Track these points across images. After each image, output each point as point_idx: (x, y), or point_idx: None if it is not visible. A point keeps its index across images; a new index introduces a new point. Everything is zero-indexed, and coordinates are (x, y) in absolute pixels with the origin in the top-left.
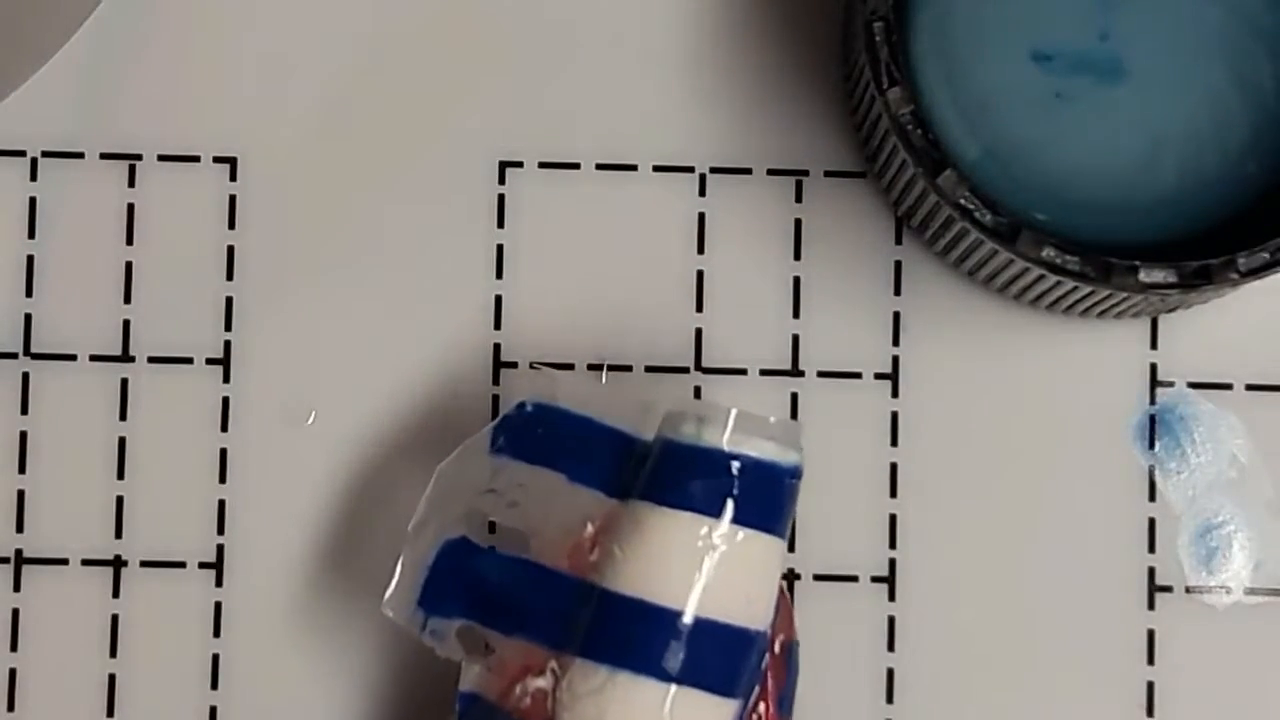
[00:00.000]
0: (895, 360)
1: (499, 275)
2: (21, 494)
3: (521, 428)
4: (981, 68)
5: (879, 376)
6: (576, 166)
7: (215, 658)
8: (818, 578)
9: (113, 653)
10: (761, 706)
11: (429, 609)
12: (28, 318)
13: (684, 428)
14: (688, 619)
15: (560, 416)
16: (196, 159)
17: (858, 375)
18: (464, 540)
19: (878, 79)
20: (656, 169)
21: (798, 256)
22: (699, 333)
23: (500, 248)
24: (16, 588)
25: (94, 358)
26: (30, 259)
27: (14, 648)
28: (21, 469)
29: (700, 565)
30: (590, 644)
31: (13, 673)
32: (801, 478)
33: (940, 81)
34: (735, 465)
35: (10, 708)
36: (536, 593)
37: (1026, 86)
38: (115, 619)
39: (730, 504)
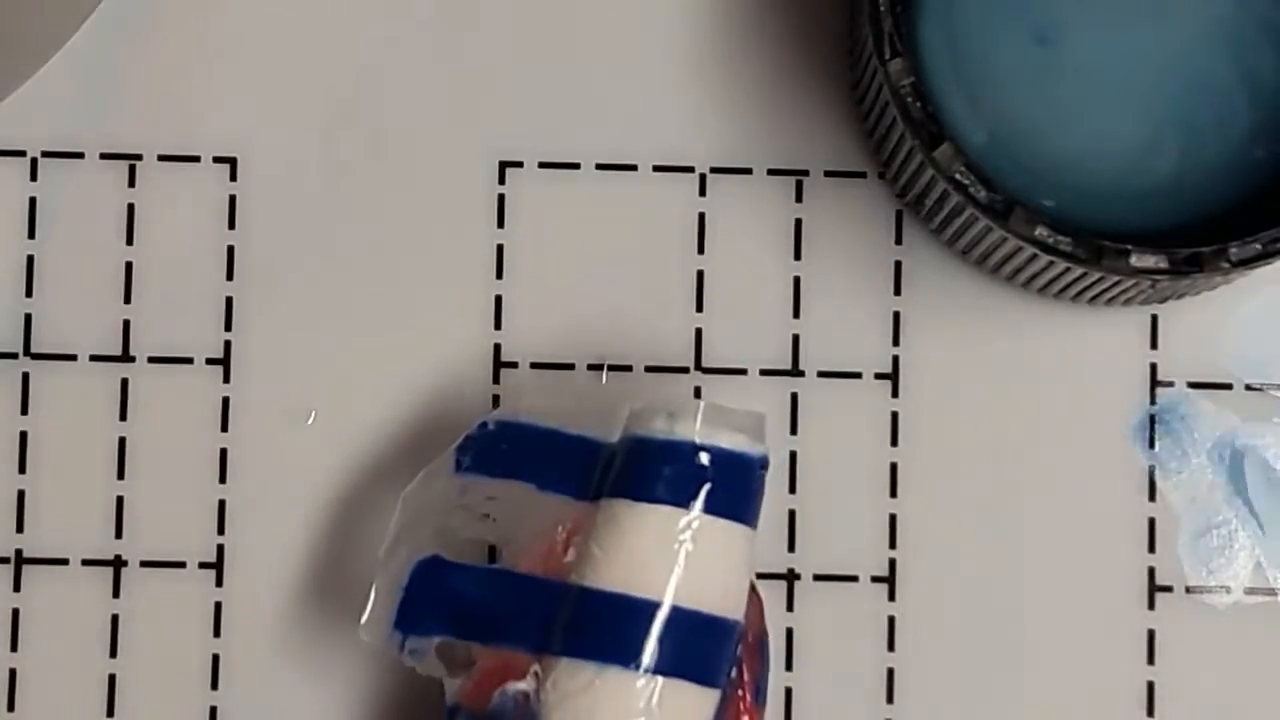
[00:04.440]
0: (895, 360)
1: (499, 275)
2: (21, 494)
3: (485, 445)
4: (986, 50)
5: (879, 376)
6: (576, 166)
7: (215, 658)
8: (818, 578)
9: (113, 653)
10: (738, 697)
11: (406, 629)
12: (28, 318)
13: (654, 423)
14: (670, 611)
15: (524, 431)
16: (196, 159)
17: (858, 375)
18: (436, 558)
19: (880, 50)
20: (656, 169)
21: (798, 256)
22: (699, 333)
23: (500, 248)
24: (16, 588)
25: (94, 358)
26: (30, 259)
27: (14, 648)
28: (21, 469)
29: (679, 557)
30: (574, 643)
31: (13, 673)
32: (768, 468)
33: (946, 65)
34: (707, 456)
35: (10, 708)
36: (512, 600)
37: (1030, 69)
38: (115, 619)
39: (704, 495)
